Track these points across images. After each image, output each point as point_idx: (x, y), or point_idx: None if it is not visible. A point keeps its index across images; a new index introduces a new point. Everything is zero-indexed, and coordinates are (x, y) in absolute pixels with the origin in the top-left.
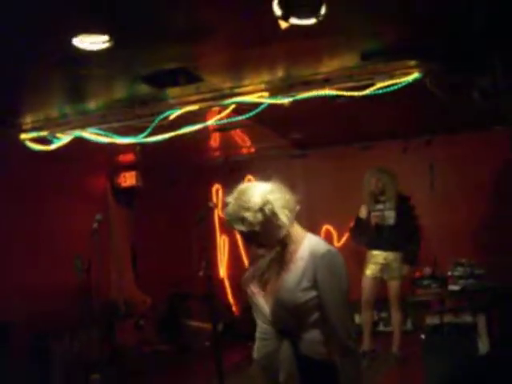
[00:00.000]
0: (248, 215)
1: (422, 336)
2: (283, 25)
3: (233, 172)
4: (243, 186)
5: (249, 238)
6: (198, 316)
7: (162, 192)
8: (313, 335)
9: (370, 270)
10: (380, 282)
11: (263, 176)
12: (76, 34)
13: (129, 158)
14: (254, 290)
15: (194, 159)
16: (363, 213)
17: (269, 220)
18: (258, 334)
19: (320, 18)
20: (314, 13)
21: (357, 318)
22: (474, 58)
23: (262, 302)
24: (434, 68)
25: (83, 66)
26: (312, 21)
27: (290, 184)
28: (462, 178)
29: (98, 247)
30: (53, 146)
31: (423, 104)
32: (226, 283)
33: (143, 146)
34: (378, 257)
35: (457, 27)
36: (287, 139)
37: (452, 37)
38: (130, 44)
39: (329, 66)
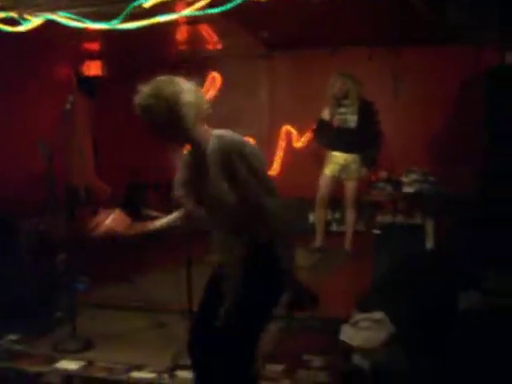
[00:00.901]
0: (154, 106)
1: (375, 231)
2: None
3: (197, 67)
4: (161, 77)
5: (155, 132)
6: (157, 206)
7: (124, 83)
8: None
9: (329, 170)
10: (337, 182)
11: (228, 73)
12: None
13: (94, 47)
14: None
15: (159, 51)
16: (326, 115)
17: (173, 117)
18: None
19: None
20: None
21: (311, 217)
22: None
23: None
24: None
25: None
26: None
27: (254, 84)
28: (425, 90)
29: (66, 130)
30: (21, 28)
31: (393, 11)
32: None
33: (109, 35)
34: (337, 158)
35: None
36: (255, 37)
37: None
38: None
39: None
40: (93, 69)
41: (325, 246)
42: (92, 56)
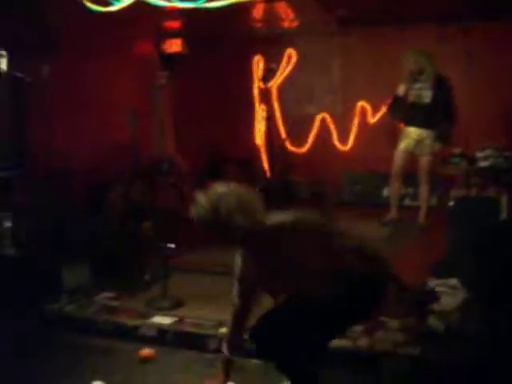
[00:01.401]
0: (206, 216)
1: (450, 203)
2: None
3: (274, 45)
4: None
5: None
6: (234, 179)
7: (205, 60)
8: None
9: (404, 145)
10: (411, 157)
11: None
12: None
13: (175, 24)
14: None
15: (238, 29)
16: (401, 90)
17: (222, 222)
18: None
19: None
20: None
21: (385, 191)
22: None
23: None
24: None
25: None
26: None
27: (329, 60)
28: (499, 66)
29: (159, 103)
30: (113, 8)
31: None
32: (262, 150)
33: (189, 13)
34: (412, 133)
35: None
36: (329, 15)
37: None
38: None
39: None
40: (174, 46)
41: (399, 219)
42: (173, 33)
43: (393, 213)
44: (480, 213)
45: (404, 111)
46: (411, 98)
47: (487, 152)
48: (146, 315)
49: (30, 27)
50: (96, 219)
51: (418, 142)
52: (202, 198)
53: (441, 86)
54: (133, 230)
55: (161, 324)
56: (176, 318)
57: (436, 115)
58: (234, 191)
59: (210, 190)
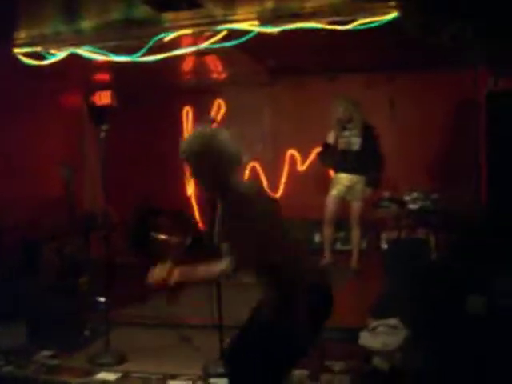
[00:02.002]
0: (198, 150)
1: (384, 246)
2: None
3: (204, 96)
4: (204, 130)
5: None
6: (166, 230)
7: (134, 112)
8: None
9: (336, 191)
10: (342, 202)
11: (233, 101)
12: None
13: (104, 77)
14: None
15: (167, 81)
16: (331, 138)
17: (213, 158)
18: None
19: None
20: None
21: (317, 237)
22: (448, 1)
23: None
24: (411, 9)
25: None
26: None
27: (259, 110)
28: (422, 113)
29: (102, 157)
30: (46, 62)
31: (390, 41)
32: (193, 200)
33: (119, 65)
34: (343, 179)
35: None
36: (260, 66)
37: None
38: None
39: (317, 1)
40: (103, 98)
41: (333, 263)
42: (102, 86)
43: (328, 257)
44: (412, 254)
45: (334, 158)
46: (341, 146)
47: (415, 195)
48: (90, 372)
49: None
50: (30, 276)
51: (349, 187)
52: (194, 133)
53: (368, 133)
54: (69, 286)
55: (106, 380)
56: (121, 374)
57: (365, 162)
58: (226, 133)
59: (201, 129)
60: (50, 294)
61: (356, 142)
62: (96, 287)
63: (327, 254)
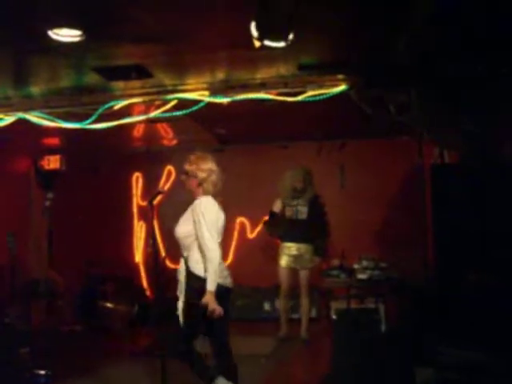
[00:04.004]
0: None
1: (334, 317)
2: (256, 44)
3: (154, 162)
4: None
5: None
6: (113, 298)
7: (83, 177)
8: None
9: (285, 261)
10: (293, 272)
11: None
12: (51, 27)
13: (53, 141)
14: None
15: (117, 147)
16: (278, 207)
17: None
18: None
19: (288, 43)
20: (284, 38)
21: (266, 305)
22: (393, 75)
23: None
24: (358, 82)
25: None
26: (282, 44)
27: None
28: (370, 180)
29: (47, 224)
30: None
31: (339, 109)
32: (141, 268)
33: (68, 130)
34: (291, 248)
35: (382, 51)
36: (211, 134)
37: (376, 58)
38: (96, 39)
39: (266, 73)
40: (52, 162)
41: (289, 334)
42: (51, 150)
43: (284, 329)
44: (361, 325)
45: (281, 227)
46: (288, 214)
47: (364, 263)
48: None
49: None
50: None
51: (297, 256)
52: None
53: (314, 202)
54: (9, 357)
55: None
56: None
57: (312, 230)
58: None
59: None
60: None
61: (303, 211)
62: (37, 358)
63: (283, 326)
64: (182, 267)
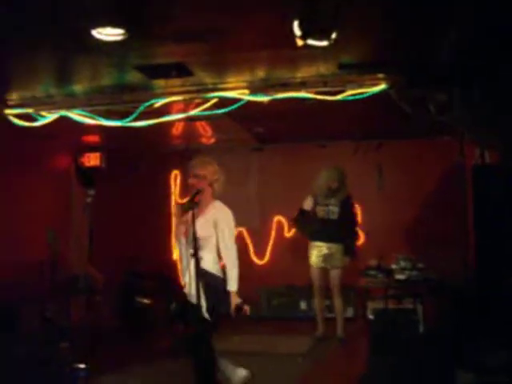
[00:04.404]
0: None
1: (371, 316)
2: (299, 43)
3: (192, 160)
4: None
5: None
6: (151, 295)
7: (122, 174)
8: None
9: (315, 261)
10: (325, 271)
11: (221, 166)
12: (95, 27)
13: (94, 139)
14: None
15: (156, 145)
16: (309, 205)
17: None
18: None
19: (331, 42)
20: (327, 37)
21: (303, 304)
22: (434, 75)
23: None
24: (398, 81)
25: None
26: (325, 43)
27: (247, 175)
28: (408, 180)
29: (88, 221)
30: (37, 123)
31: (379, 110)
32: (179, 266)
33: (109, 128)
34: (321, 248)
35: (423, 50)
36: (250, 132)
37: (417, 57)
38: (138, 38)
39: (306, 71)
40: (93, 160)
41: (326, 334)
42: (91, 148)
43: (321, 328)
44: (399, 326)
45: (311, 225)
46: (320, 213)
47: (402, 264)
48: None
49: None
50: (9, 340)
51: (328, 256)
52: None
53: (347, 203)
54: (50, 353)
55: None
56: None
57: (342, 230)
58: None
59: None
60: (28, 361)
61: (335, 211)
62: (77, 353)
63: (320, 325)
64: (191, 266)
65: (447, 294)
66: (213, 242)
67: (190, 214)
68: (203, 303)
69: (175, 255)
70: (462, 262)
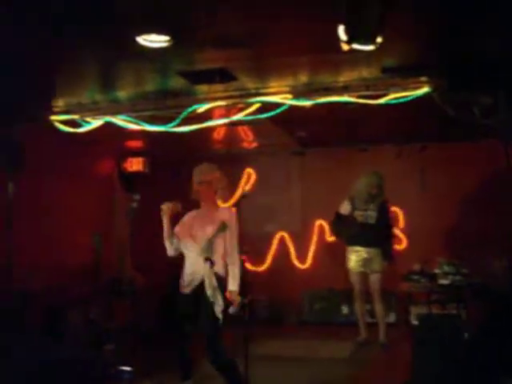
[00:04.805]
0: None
1: (414, 322)
2: (345, 47)
3: (233, 164)
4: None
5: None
6: None
7: (165, 179)
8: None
9: (354, 265)
10: (365, 276)
11: (263, 169)
12: (140, 34)
13: (137, 144)
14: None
15: (198, 149)
16: (346, 209)
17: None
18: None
19: (377, 46)
20: (372, 41)
21: (345, 309)
22: (479, 77)
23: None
24: (442, 84)
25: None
26: (370, 47)
27: (288, 179)
28: (452, 184)
29: (130, 226)
30: (82, 129)
31: (421, 113)
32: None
33: (151, 133)
34: (360, 252)
35: (467, 53)
36: (291, 137)
37: (461, 60)
38: (182, 44)
39: (349, 76)
40: (135, 164)
41: (368, 338)
42: (134, 152)
43: (363, 333)
44: (445, 332)
45: (348, 230)
46: (359, 218)
47: (445, 269)
48: None
49: None
50: (54, 342)
51: (367, 260)
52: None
53: (384, 207)
54: (94, 355)
55: None
56: None
57: (380, 235)
58: None
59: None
60: (73, 363)
61: (373, 216)
62: (121, 355)
63: (362, 330)
64: (205, 268)
65: (492, 299)
66: (222, 245)
67: (193, 217)
68: (218, 304)
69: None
70: (507, 266)
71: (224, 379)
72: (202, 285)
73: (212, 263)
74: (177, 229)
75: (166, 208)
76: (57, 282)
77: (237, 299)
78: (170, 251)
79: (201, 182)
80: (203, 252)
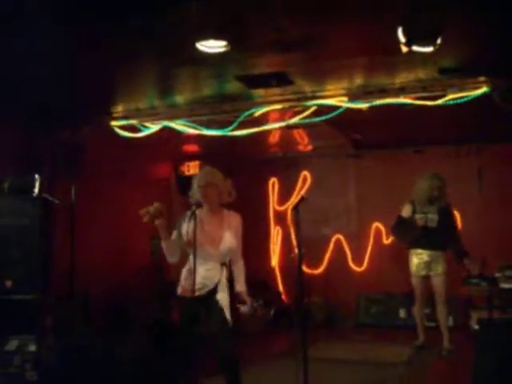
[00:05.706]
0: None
1: (475, 327)
2: (404, 49)
3: (289, 167)
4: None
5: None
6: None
7: None
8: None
9: (416, 268)
10: (427, 279)
11: (318, 172)
12: (199, 40)
13: (193, 148)
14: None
15: (254, 153)
16: (407, 212)
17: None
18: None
19: (437, 47)
20: (432, 42)
21: (402, 312)
22: None
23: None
24: (500, 84)
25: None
26: (430, 49)
27: (344, 182)
28: (509, 185)
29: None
30: (141, 134)
31: (478, 113)
32: (277, 272)
33: (208, 137)
34: (422, 255)
35: None
36: (347, 139)
37: None
38: (240, 49)
39: (405, 77)
40: (192, 168)
41: (426, 344)
42: (191, 156)
43: (421, 337)
44: (508, 337)
45: (410, 233)
46: (420, 221)
47: (507, 272)
48: None
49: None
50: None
51: (429, 263)
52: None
53: (446, 211)
54: (157, 353)
55: None
56: None
57: (443, 238)
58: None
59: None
60: (136, 361)
61: (434, 219)
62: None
63: (420, 334)
64: (222, 273)
65: None
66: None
67: (206, 222)
68: (228, 305)
69: (273, 262)
70: None
71: (226, 378)
72: (214, 288)
73: (230, 269)
74: (195, 235)
75: (145, 212)
76: (121, 283)
77: (247, 300)
78: (174, 258)
79: (207, 184)
80: (223, 258)
